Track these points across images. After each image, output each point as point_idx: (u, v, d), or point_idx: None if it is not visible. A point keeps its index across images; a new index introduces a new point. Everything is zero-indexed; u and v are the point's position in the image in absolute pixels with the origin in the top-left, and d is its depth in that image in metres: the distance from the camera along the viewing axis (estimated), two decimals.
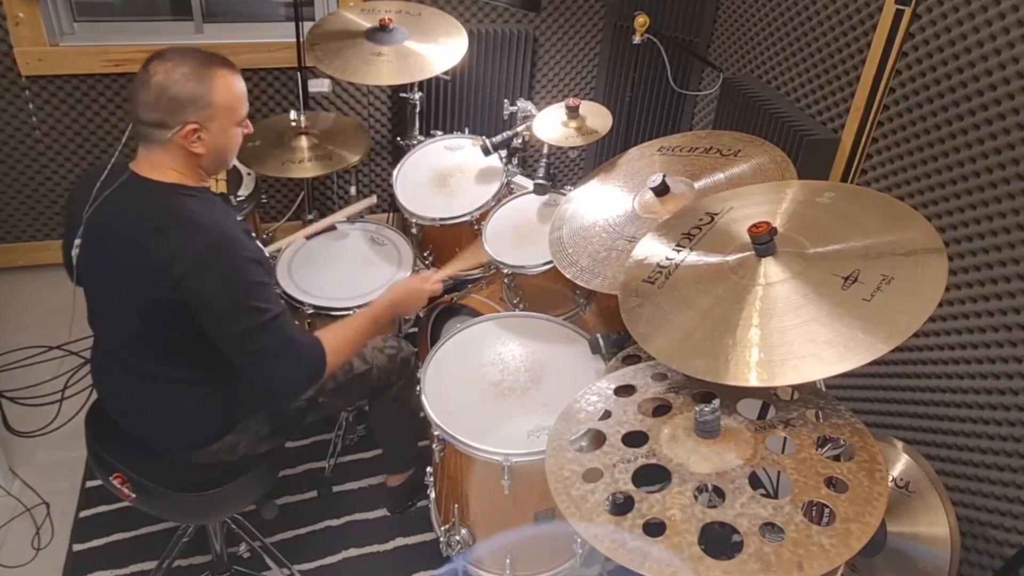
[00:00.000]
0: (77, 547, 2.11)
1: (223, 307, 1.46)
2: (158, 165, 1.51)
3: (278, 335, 1.50)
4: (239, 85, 1.54)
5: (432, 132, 2.77)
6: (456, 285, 2.62)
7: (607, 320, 2.14)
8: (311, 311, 2.15)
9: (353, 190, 2.62)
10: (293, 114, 2.59)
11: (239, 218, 2.36)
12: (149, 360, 1.57)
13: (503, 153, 2.46)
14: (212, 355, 1.53)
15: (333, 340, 1.61)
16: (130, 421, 1.66)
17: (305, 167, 2.53)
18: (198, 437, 1.64)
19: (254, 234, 1.70)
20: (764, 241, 1.33)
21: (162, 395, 1.59)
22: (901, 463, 1.71)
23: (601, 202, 1.97)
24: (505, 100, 2.73)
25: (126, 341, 1.59)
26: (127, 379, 1.62)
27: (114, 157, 1.56)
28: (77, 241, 1.53)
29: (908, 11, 2.06)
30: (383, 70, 2.45)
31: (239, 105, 1.55)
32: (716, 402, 1.26)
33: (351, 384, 1.88)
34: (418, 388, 1.82)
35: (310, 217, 2.96)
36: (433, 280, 1.93)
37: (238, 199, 2.42)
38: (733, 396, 1.32)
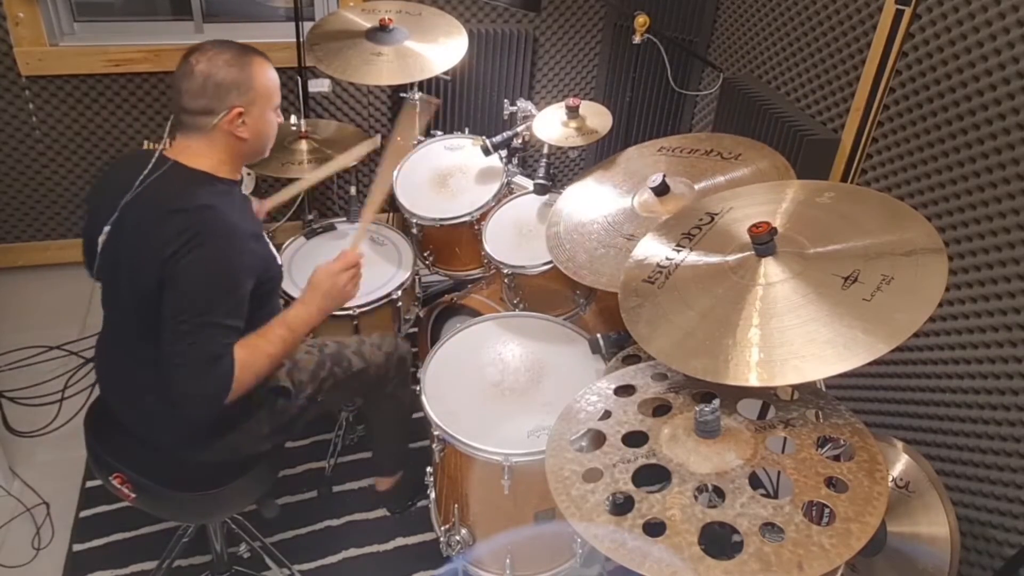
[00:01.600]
0: (77, 547, 2.11)
1: (184, 291, 1.45)
2: (196, 153, 1.57)
3: (208, 347, 1.46)
4: (274, 73, 1.63)
5: (432, 132, 2.77)
6: (456, 285, 2.63)
7: (607, 320, 2.14)
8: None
9: (353, 190, 2.62)
10: (294, 119, 2.60)
11: None
12: (153, 351, 1.56)
13: (503, 153, 2.46)
14: None
15: (247, 361, 1.52)
16: (131, 417, 1.66)
17: (304, 168, 2.53)
18: (199, 434, 1.64)
19: (268, 235, 1.70)
20: (764, 241, 1.33)
21: (164, 388, 1.59)
22: (901, 463, 1.71)
23: (598, 200, 1.97)
24: (505, 100, 2.73)
25: (131, 330, 1.60)
26: (131, 371, 1.62)
27: (160, 148, 1.60)
28: (106, 228, 1.56)
29: (908, 11, 2.06)
30: (383, 70, 2.45)
31: (275, 91, 1.64)
32: (716, 402, 1.26)
33: (349, 381, 1.88)
34: (418, 388, 1.82)
35: (310, 217, 2.96)
36: (347, 257, 1.74)
37: None
38: (733, 396, 1.32)
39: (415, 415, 2.07)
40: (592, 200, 2.00)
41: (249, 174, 2.55)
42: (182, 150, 1.57)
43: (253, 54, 1.59)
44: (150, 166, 1.55)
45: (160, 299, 1.47)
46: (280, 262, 1.72)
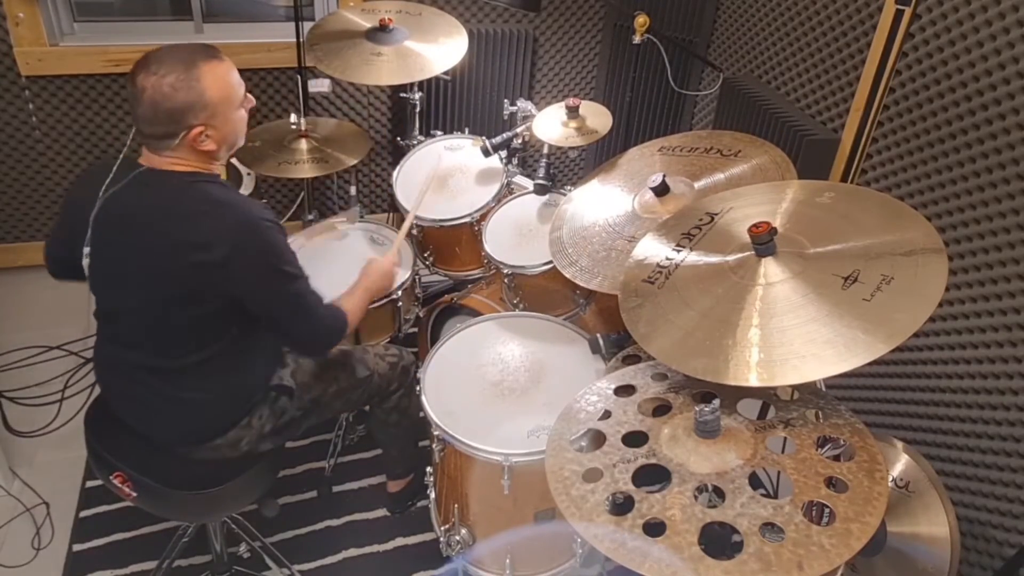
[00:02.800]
0: (77, 547, 2.10)
1: (267, 276, 1.54)
2: (172, 162, 1.54)
3: (312, 293, 1.63)
4: (229, 74, 1.54)
5: (432, 132, 2.77)
6: (456, 285, 2.63)
7: (607, 320, 2.14)
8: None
9: (353, 190, 2.62)
10: (293, 117, 2.60)
11: None
12: (160, 350, 1.58)
13: (503, 153, 2.46)
14: (226, 339, 1.58)
15: (349, 306, 1.75)
16: (134, 416, 1.67)
17: (303, 168, 2.53)
18: (202, 431, 1.64)
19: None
20: (764, 241, 1.33)
21: (170, 386, 1.60)
22: (901, 463, 1.71)
23: (601, 202, 1.97)
24: (505, 100, 2.73)
25: (138, 332, 1.60)
26: (134, 372, 1.62)
27: (119, 157, 1.59)
28: (86, 250, 1.55)
29: (908, 11, 2.06)
30: (383, 70, 2.45)
31: (234, 93, 1.55)
32: (716, 402, 1.26)
33: (352, 389, 1.89)
34: (418, 388, 1.82)
35: (310, 217, 2.96)
36: (391, 257, 2.03)
37: None
38: (733, 396, 1.32)
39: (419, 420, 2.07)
40: (594, 203, 2.00)
41: (249, 174, 2.54)
42: (155, 158, 1.53)
43: (200, 62, 1.48)
44: (110, 177, 1.53)
45: (199, 298, 1.51)
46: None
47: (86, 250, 1.55)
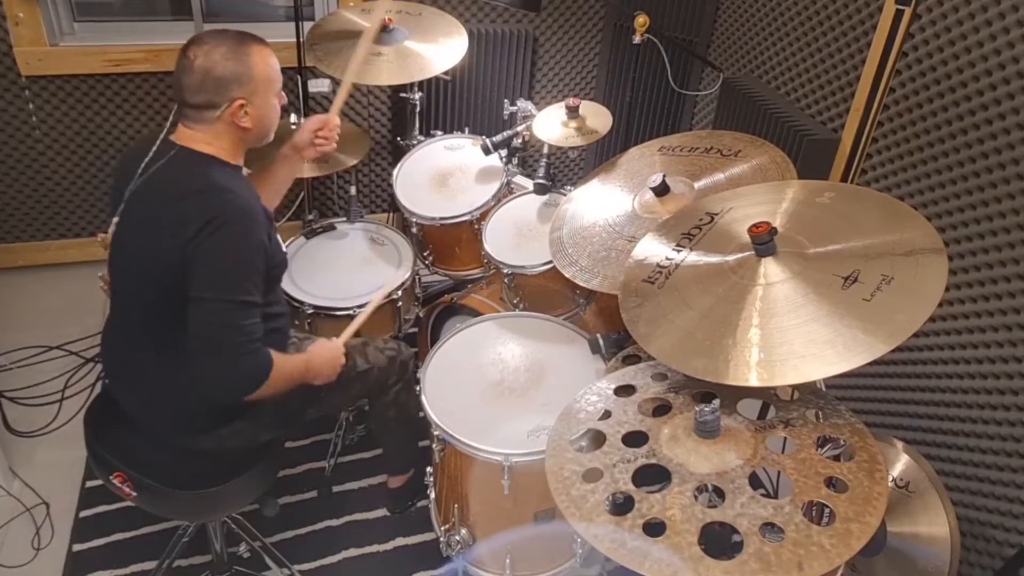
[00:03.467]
0: (77, 547, 2.10)
1: (218, 271, 1.49)
2: (202, 141, 1.58)
3: (247, 323, 1.50)
4: (273, 59, 1.63)
5: (432, 132, 2.77)
6: (456, 285, 2.63)
7: (607, 320, 2.14)
8: (311, 311, 2.15)
9: (353, 190, 2.61)
10: (293, 117, 2.60)
11: None
12: (162, 334, 1.58)
13: (503, 153, 2.46)
14: None
15: (282, 365, 1.58)
16: (134, 404, 1.67)
17: (303, 167, 2.52)
18: (203, 419, 1.64)
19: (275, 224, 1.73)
20: (764, 241, 1.33)
21: (171, 372, 1.60)
22: (901, 463, 1.71)
23: (601, 202, 1.97)
24: (505, 100, 2.73)
25: (140, 314, 1.61)
26: (135, 358, 1.63)
27: (160, 137, 1.61)
28: (115, 219, 1.59)
29: (908, 11, 2.06)
30: (383, 70, 2.45)
31: (276, 77, 1.64)
32: (716, 402, 1.26)
33: (352, 382, 1.88)
34: (418, 388, 1.82)
35: (310, 217, 2.96)
36: (339, 344, 1.83)
37: None
38: (733, 396, 1.32)
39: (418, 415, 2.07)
40: (594, 203, 2.00)
41: (249, 173, 2.54)
42: (188, 137, 1.58)
43: (251, 43, 1.59)
44: (152, 153, 1.57)
45: (177, 280, 1.49)
46: (284, 250, 1.75)
47: (115, 220, 1.59)
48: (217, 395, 1.58)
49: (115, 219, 1.60)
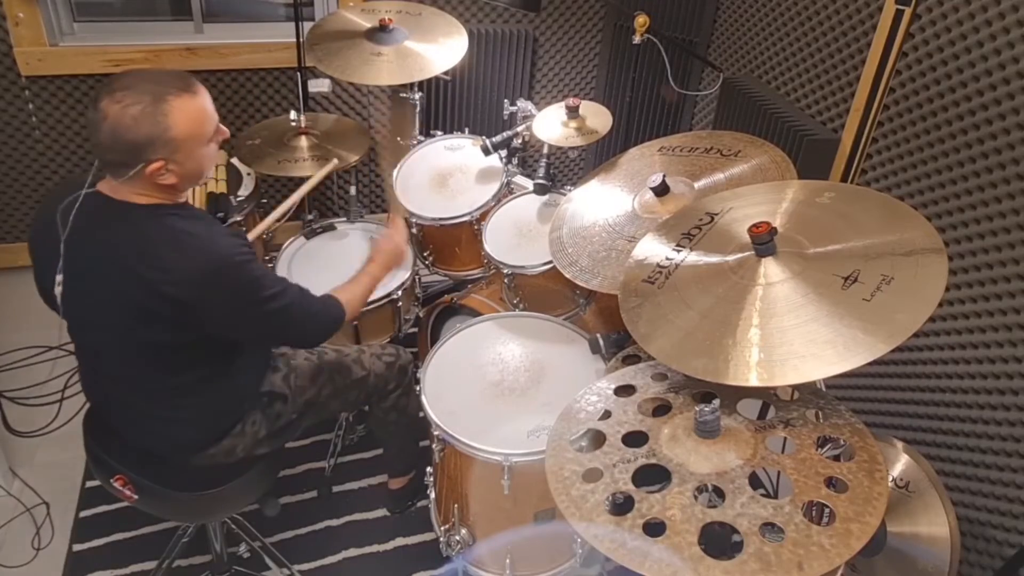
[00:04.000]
0: (77, 547, 2.10)
1: (245, 310, 1.51)
2: (130, 193, 1.45)
3: (298, 298, 1.60)
4: (199, 107, 1.43)
5: (432, 132, 2.77)
6: (456, 285, 2.63)
7: (607, 320, 2.14)
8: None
9: (353, 190, 2.61)
10: (293, 114, 2.59)
11: (238, 218, 2.37)
12: (147, 373, 1.55)
13: (503, 153, 2.46)
14: (212, 354, 1.56)
15: (347, 296, 1.74)
16: (127, 432, 1.66)
17: (304, 166, 2.53)
18: (196, 442, 1.64)
19: (267, 235, 1.75)
20: (764, 241, 1.33)
21: (160, 406, 1.59)
22: (901, 463, 1.70)
23: (601, 202, 1.97)
24: (505, 100, 2.73)
25: (121, 366, 1.56)
26: (123, 396, 1.61)
27: (86, 185, 1.47)
28: (59, 277, 1.47)
29: (908, 11, 2.06)
30: (383, 70, 2.45)
31: (203, 128, 1.45)
32: (716, 402, 1.26)
33: (348, 389, 1.89)
34: (418, 388, 1.82)
35: (310, 217, 2.96)
36: (397, 231, 2.02)
37: (238, 199, 2.42)
38: (733, 396, 1.32)
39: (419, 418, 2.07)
40: (594, 203, 2.00)
41: (249, 174, 2.54)
42: (116, 188, 1.45)
43: (171, 96, 1.38)
44: (78, 204, 1.45)
45: (176, 323, 1.45)
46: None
47: (59, 277, 1.46)
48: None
49: (59, 276, 1.46)
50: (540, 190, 2.26)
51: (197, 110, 1.43)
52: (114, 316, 1.49)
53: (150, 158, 1.39)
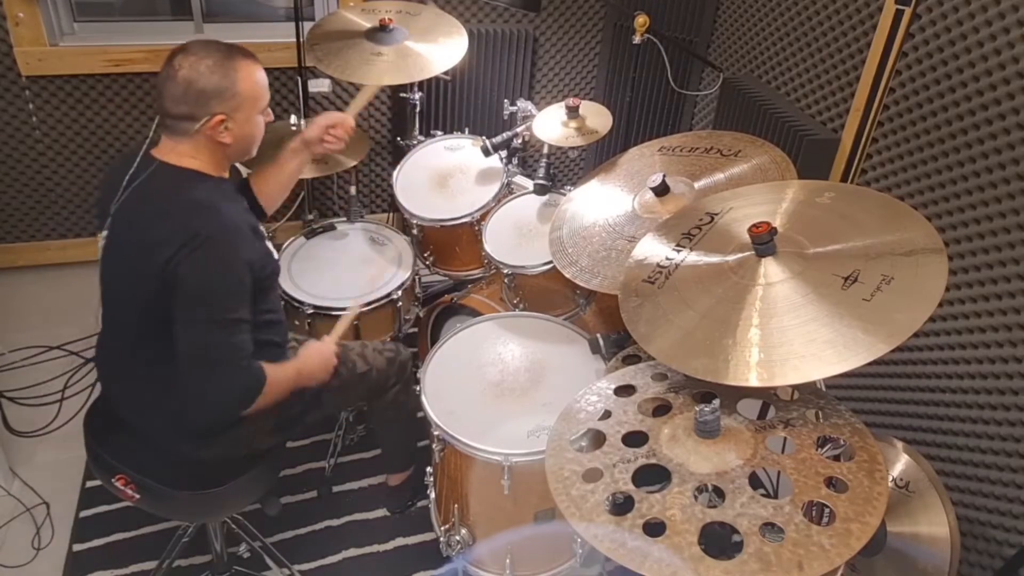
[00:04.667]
0: (77, 547, 2.10)
1: (201, 293, 1.47)
2: (182, 154, 1.55)
3: (235, 339, 1.49)
4: (261, 75, 1.60)
5: (432, 132, 2.77)
6: (456, 285, 2.63)
7: (607, 320, 2.14)
8: (311, 311, 2.15)
9: (353, 190, 2.61)
10: (294, 118, 2.60)
11: None
12: (153, 349, 1.57)
13: (503, 153, 2.46)
14: None
15: (275, 376, 1.58)
16: (133, 415, 1.67)
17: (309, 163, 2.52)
18: (203, 430, 1.63)
19: (268, 235, 1.71)
20: (764, 241, 1.33)
21: (168, 385, 1.59)
22: (901, 463, 1.70)
23: (601, 202, 1.97)
24: (505, 100, 2.73)
25: (132, 330, 1.60)
26: (134, 371, 1.63)
27: (143, 149, 1.59)
28: (103, 233, 1.57)
29: (908, 11, 2.06)
30: (383, 70, 2.45)
31: (262, 94, 1.61)
32: (716, 402, 1.26)
33: (352, 383, 1.89)
34: (418, 388, 1.82)
35: (310, 217, 2.96)
36: (330, 344, 1.81)
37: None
38: (733, 396, 1.32)
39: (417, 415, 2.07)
40: (594, 203, 2.00)
41: (249, 174, 2.54)
42: (168, 151, 1.56)
43: (239, 57, 1.56)
44: (134, 167, 1.56)
45: (162, 300, 1.47)
46: (276, 257, 1.74)
47: (103, 234, 1.57)
48: (212, 414, 1.56)
49: (103, 233, 1.58)
50: (540, 190, 2.26)
51: (259, 76, 1.60)
52: (125, 282, 1.55)
53: (215, 111, 1.52)
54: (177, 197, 1.51)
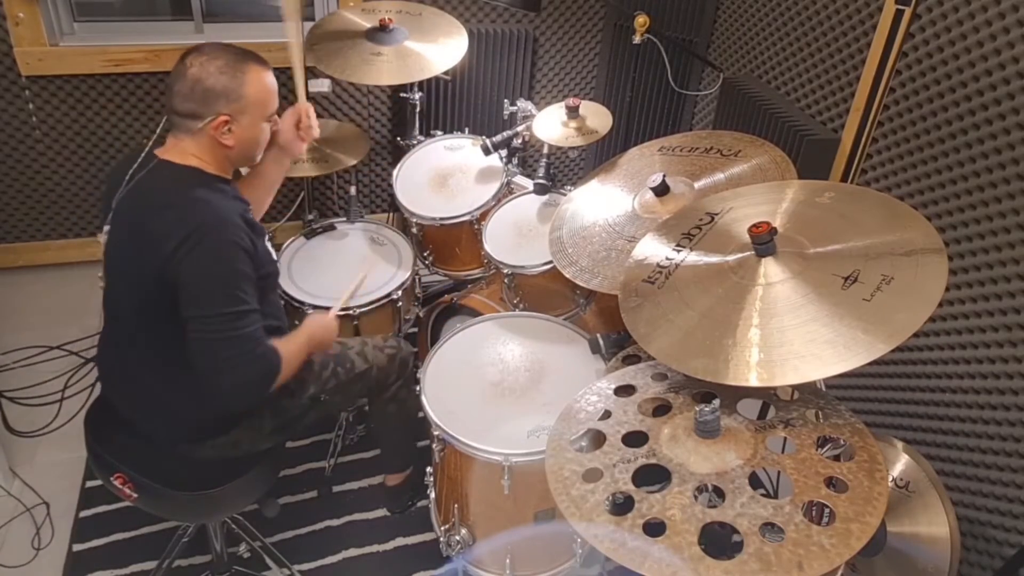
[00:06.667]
0: (77, 547, 2.10)
1: (207, 288, 1.47)
2: (185, 152, 1.57)
3: (248, 329, 1.50)
4: (271, 81, 1.62)
5: (432, 132, 2.77)
6: (456, 285, 2.63)
7: (607, 320, 2.14)
8: (311, 311, 2.15)
9: (353, 190, 2.61)
10: None
11: None
12: (156, 345, 1.58)
13: (503, 153, 2.46)
14: None
15: (288, 352, 1.59)
16: (133, 414, 1.67)
17: (303, 167, 2.53)
18: (201, 430, 1.64)
19: (269, 235, 1.71)
20: (764, 241, 1.33)
21: (167, 385, 1.60)
22: (901, 463, 1.70)
23: (601, 202, 1.97)
24: (505, 100, 2.73)
25: (132, 327, 1.60)
26: (133, 368, 1.63)
27: (148, 145, 1.61)
28: (106, 228, 1.58)
29: (908, 11, 2.06)
30: (383, 70, 2.45)
31: (270, 100, 1.62)
32: (716, 402, 1.26)
33: (351, 383, 1.89)
34: (418, 388, 1.82)
35: (310, 217, 2.96)
36: (331, 314, 1.86)
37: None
38: (733, 396, 1.32)
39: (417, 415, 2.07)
40: (594, 203, 2.00)
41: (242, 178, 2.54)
42: (171, 148, 1.58)
43: (250, 61, 1.58)
44: (137, 163, 1.57)
45: (161, 296, 1.47)
46: (276, 258, 1.74)
47: (106, 228, 1.59)
48: (238, 404, 1.59)
49: (106, 227, 1.60)
50: (540, 190, 2.26)
51: (269, 83, 1.61)
52: (126, 278, 1.56)
53: (220, 111, 1.53)
54: (177, 192, 1.52)
